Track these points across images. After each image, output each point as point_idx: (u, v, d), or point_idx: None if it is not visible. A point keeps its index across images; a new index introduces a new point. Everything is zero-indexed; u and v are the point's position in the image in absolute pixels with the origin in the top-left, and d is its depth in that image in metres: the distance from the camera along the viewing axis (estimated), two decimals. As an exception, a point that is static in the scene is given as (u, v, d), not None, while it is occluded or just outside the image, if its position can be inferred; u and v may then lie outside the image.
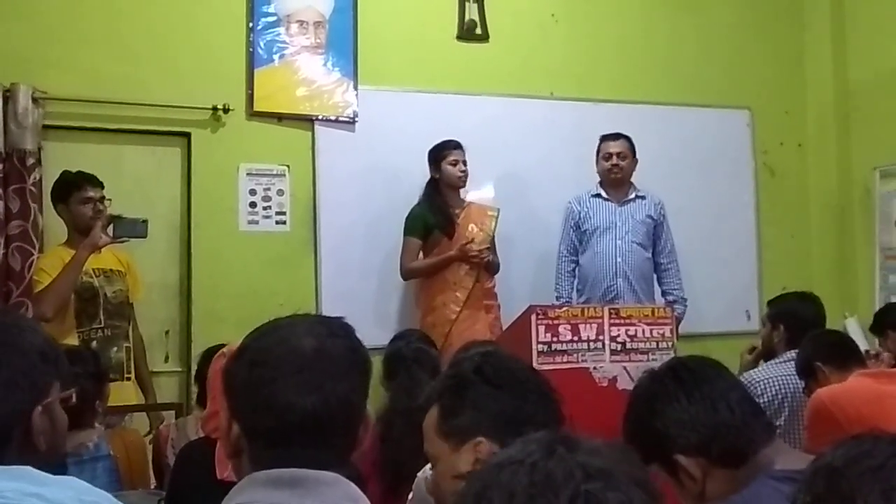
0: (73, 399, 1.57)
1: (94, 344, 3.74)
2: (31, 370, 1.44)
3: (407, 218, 4.38)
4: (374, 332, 4.20)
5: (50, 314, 3.66)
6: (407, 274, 4.40)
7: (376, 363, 3.17)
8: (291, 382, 1.30)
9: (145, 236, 3.90)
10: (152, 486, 3.03)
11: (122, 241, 3.85)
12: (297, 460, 1.28)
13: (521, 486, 0.83)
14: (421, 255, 4.40)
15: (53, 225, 4.04)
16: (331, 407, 1.30)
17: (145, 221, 3.87)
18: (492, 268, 4.40)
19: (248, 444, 1.34)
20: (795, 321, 3.27)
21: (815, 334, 3.03)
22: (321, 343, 1.34)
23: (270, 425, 1.31)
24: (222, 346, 3.01)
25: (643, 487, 0.85)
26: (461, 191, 4.47)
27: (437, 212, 4.37)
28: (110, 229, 3.78)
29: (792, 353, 3.14)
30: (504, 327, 4.08)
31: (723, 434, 1.59)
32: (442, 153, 4.36)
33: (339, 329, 1.39)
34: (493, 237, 4.43)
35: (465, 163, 4.36)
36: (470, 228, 4.39)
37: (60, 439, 1.53)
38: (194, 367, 3.63)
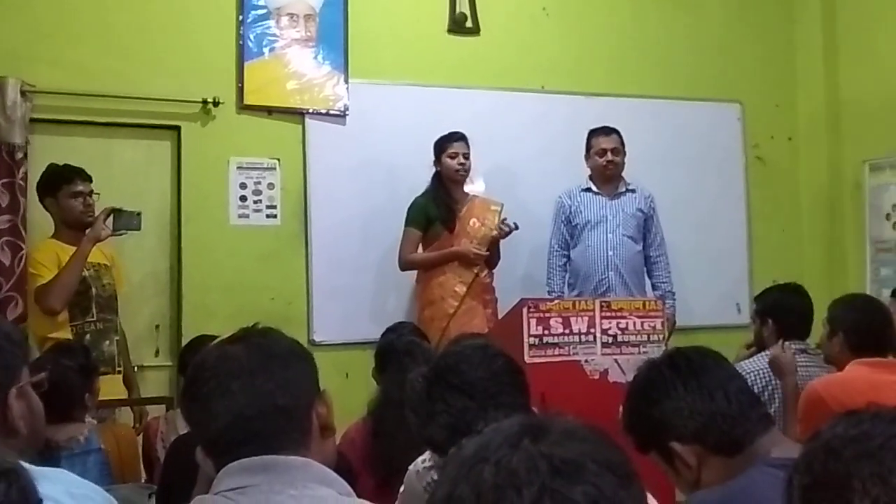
0: (45, 385, 1.57)
1: (87, 337, 3.73)
2: (1, 353, 1.44)
3: (409, 208, 4.36)
4: (368, 326, 4.23)
5: (59, 307, 3.67)
6: (405, 265, 4.39)
7: (370, 357, 3.20)
8: (206, 393, 1.38)
9: (140, 229, 3.91)
10: (143, 480, 3.03)
11: (121, 235, 3.84)
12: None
13: (486, 486, 0.82)
14: (420, 246, 4.39)
15: (37, 218, 4.01)
16: (246, 403, 1.36)
17: (140, 214, 3.87)
18: (491, 262, 4.40)
19: (210, 458, 1.41)
20: (783, 313, 3.27)
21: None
22: (223, 352, 1.41)
23: (206, 438, 1.40)
24: (206, 336, 3.02)
25: (616, 471, 0.83)
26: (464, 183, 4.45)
27: (439, 204, 4.35)
28: (109, 222, 3.77)
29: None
30: (498, 321, 4.09)
31: (718, 422, 1.61)
32: (444, 145, 4.34)
33: (239, 337, 1.45)
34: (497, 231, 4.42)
35: (465, 156, 4.33)
36: (472, 223, 4.37)
37: (39, 423, 1.53)
38: (184, 361, 3.61)
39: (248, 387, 1.36)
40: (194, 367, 1.43)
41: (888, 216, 4.98)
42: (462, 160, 4.33)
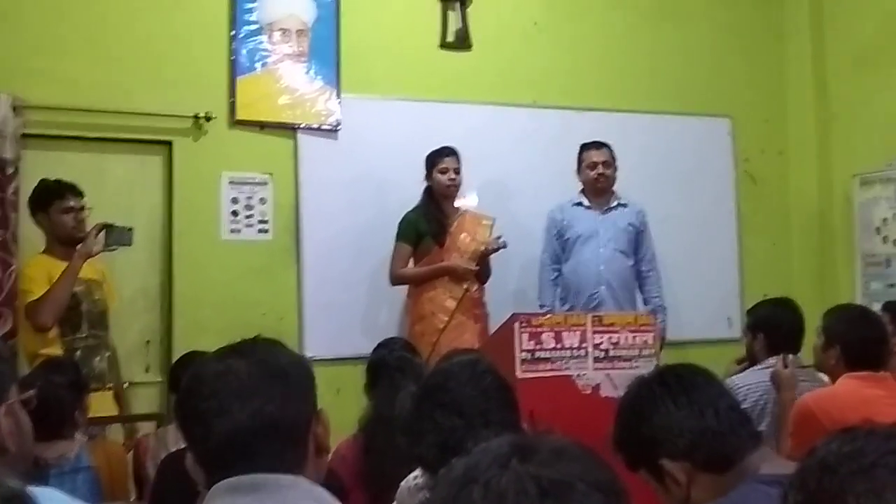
0: (34, 402, 1.56)
1: (77, 353, 3.71)
2: None
3: (400, 223, 4.37)
4: (360, 341, 4.21)
5: (50, 323, 3.65)
6: (395, 280, 4.39)
7: (361, 372, 3.19)
8: (204, 410, 1.35)
9: (131, 244, 3.89)
10: (133, 498, 3.01)
11: (112, 250, 3.83)
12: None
13: None
14: (411, 261, 4.39)
15: (28, 234, 4.00)
16: (245, 424, 1.34)
17: (131, 229, 3.86)
18: (482, 277, 4.40)
19: (202, 470, 1.39)
20: (773, 328, 3.27)
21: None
22: (225, 367, 1.38)
23: (204, 452, 1.37)
24: (197, 352, 3.01)
25: (605, 491, 0.84)
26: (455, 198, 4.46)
27: (429, 219, 4.35)
28: (101, 237, 3.75)
29: (773, 360, 3.15)
30: (490, 336, 4.08)
31: (708, 439, 1.61)
32: (434, 160, 4.35)
33: (243, 351, 1.41)
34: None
35: (456, 171, 4.33)
36: (462, 237, 4.38)
37: (28, 441, 1.52)
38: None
39: (247, 407, 1.34)
40: (193, 380, 1.40)
41: (878, 230, 5.00)
42: (453, 175, 4.34)
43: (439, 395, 1.75)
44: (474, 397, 1.75)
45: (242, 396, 1.34)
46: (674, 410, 1.63)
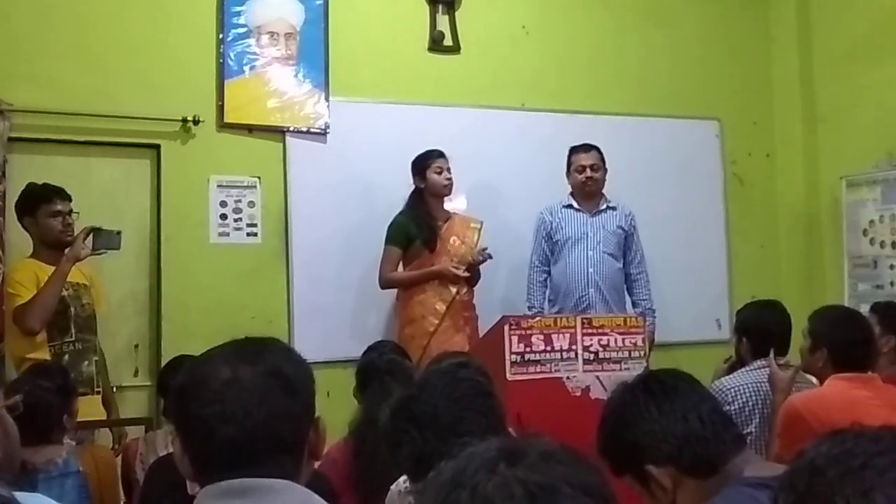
0: (21, 408, 1.55)
1: (66, 358, 3.69)
2: None
3: (389, 226, 4.37)
4: (349, 344, 4.20)
5: (38, 327, 3.63)
6: (385, 283, 4.38)
7: (351, 375, 3.19)
8: (207, 415, 1.33)
9: (119, 248, 3.88)
10: (122, 503, 3.00)
11: (100, 254, 3.81)
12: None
13: None
14: (400, 265, 4.39)
15: (16, 238, 3.97)
16: (248, 433, 1.33)
17: (119, 233, 3.85)
18: (472, 280, 4.40)
19: (193, 469, 1.38)
20: (757, 331, 3.28)
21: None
22: (233, 373, 1.36)
23: (201, 455, 1.36)
24: (185, 356, 3.00)
25: (592, 494, 0.84)
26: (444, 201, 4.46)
27: (420, 222, 4.35)
28: (89, 241, 3.74)
29: (761, 362, 3.16)
30: (479, 338, 4.09)
31: (693, 444, 1.61)
32: (426, 162, 4.35)
33: (251, 356, 1.40)
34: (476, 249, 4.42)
35: (449, 170, 4.36)
36: (452, 241, 4.38)
37: (14, 447, 1.51)
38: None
39: (252, 416, 1.33)
40: (196, 381, 1.37)
41: (865, 232, 5.03)
42: (448, 175, 4.35)
43: (412, 407, 1.76)
44: (447, 407, 1.75)
45: (248, 405, 1.33)
46: (658, 416, 1.64)
